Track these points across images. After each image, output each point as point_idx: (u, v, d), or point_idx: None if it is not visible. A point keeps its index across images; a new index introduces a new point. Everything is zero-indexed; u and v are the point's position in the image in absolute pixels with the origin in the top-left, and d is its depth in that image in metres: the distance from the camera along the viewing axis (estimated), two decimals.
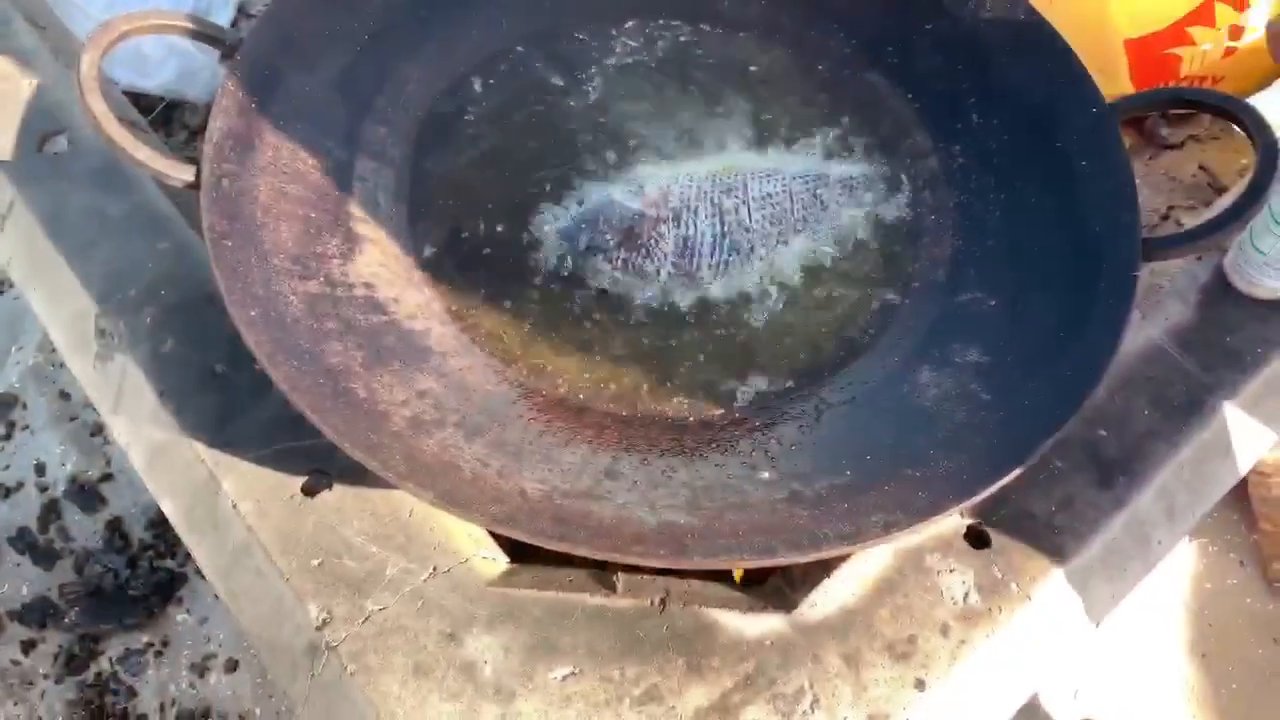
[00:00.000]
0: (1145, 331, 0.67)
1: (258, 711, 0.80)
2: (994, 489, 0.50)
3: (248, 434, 0.60)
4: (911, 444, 0.54)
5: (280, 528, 0.56)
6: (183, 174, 0.58)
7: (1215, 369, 0.65)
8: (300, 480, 0.58)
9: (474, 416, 0.55)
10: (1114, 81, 0.91)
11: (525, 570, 0.57)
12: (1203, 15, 0.89)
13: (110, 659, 0.82)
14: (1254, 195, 0.57)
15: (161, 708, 0.80)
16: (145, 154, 0.57)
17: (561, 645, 0.53)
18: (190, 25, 0.61)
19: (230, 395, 0.61)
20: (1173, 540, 0.62)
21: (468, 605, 0.54)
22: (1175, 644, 0.88)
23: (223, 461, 0.59)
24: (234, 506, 0.57)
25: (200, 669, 0.82)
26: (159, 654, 0.83)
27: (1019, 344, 0.58)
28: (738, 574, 0.59)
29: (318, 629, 0.53)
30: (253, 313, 0.53)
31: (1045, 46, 0.68)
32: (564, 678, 0.52)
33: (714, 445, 0.56)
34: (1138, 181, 0.86)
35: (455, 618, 0.53)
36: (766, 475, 0.54)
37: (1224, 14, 0.89)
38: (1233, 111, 0.58)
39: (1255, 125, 0.57)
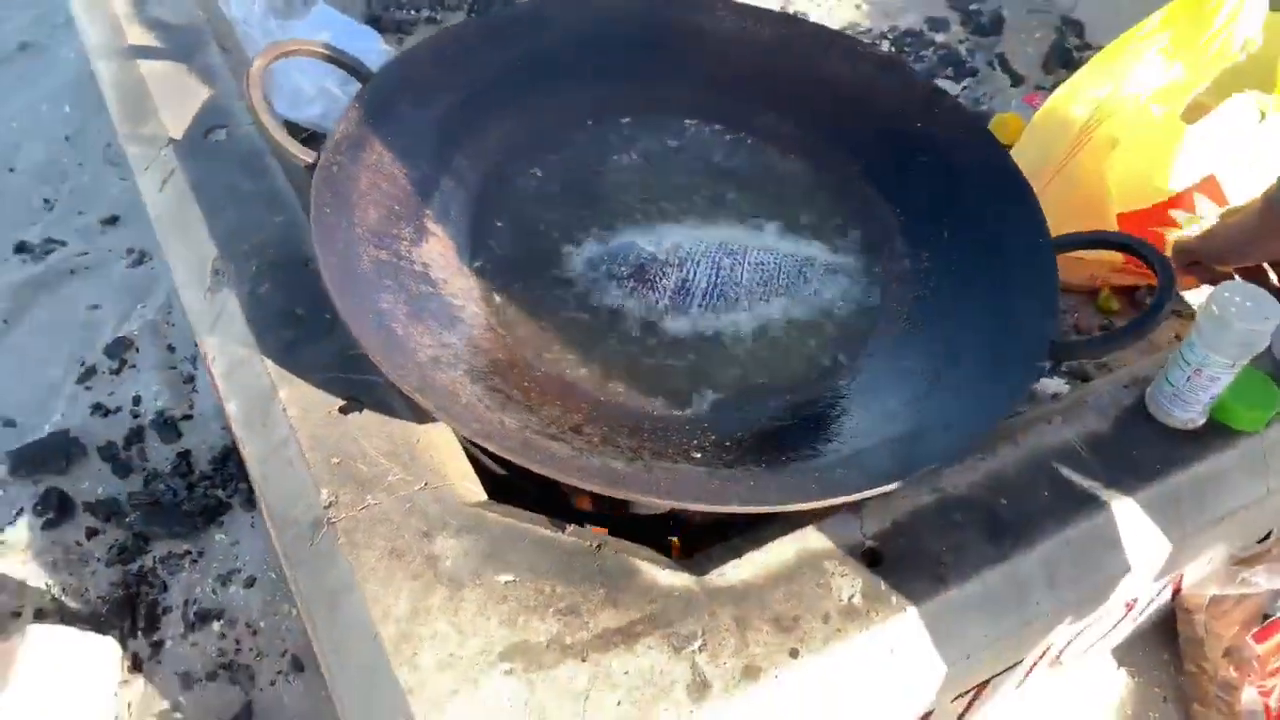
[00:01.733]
0: (1062, 433, 0.77)
1: (263, 624, 0.93)
2: (869, 495, 0.61)
3: (308, 362, 0.75)
4: (821, 457, 0.66)
5: (315, 432, 0.71)
6: (306, 156, 0.76)
7: (1116, 473, 0.75)
8: (340, 403, 0.73)
9: (480, 370, 0.69)
10: None
11: (496, 506, 0.69)
12: (1184, 201, 1.02)
13: (154, 557, 0.97)
14: (1149, 316, 0.69)
15: (185, 604, 0.94)
16: (283, 137, 0.76)
17: (510, 559, 0.65)
18: (336, 55, 0.80)
19: (302, 331, 0.77)
20: (1053, 604, 0.71)
21: (444, 515, 0.67)
22: None
23: (284, 377, 0.74)
24: (284, 410, 0.72)
25: (224, 580, 0.96)
26: (194, 561, 0.97)
27: (932, 404, 0.70)
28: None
29: (324, 508, 0.67)
30: (333, 259, 0.69)
31: (1012, 186, 0.82)
32: (506, 582, 0.64)
33: (664, 433, 0.69)
34: None
35: (432, 521, 0.66)
36: (698, 456, 0.66)
37: (1202, 203, 1.02)
38: (1136, 248, 0.71)
39: (1155, 259, 0.70)
